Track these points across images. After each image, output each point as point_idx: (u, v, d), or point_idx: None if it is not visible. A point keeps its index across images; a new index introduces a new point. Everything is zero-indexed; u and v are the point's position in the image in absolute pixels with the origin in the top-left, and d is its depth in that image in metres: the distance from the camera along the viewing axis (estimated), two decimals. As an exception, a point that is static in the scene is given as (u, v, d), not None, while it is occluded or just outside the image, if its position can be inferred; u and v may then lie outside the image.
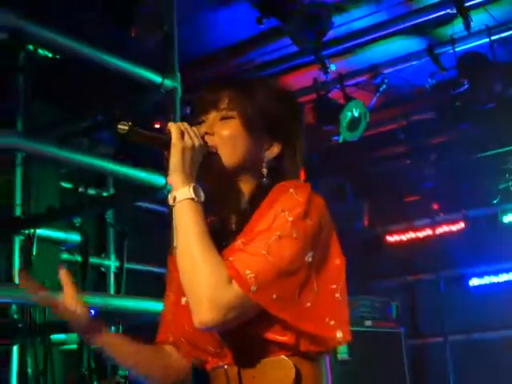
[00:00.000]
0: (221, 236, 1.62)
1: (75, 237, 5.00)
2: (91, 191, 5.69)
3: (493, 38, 4.90)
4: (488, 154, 6.61)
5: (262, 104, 1.69)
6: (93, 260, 5.72)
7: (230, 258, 1.50)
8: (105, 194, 5.91)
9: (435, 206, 7.44)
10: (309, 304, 1.52)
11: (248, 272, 1.46)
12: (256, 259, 1.48)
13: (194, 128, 1.62)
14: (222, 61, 5.43)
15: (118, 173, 3.74)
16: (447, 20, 5.04)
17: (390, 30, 5.07)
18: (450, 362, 7.09)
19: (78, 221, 4.68)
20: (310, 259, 1.53)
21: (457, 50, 5.02)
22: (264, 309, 1.47)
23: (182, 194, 1.55)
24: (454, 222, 7.48)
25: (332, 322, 1.56)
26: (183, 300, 1.65)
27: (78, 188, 5.62)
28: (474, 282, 7.30)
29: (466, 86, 4.91)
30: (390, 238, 7.79)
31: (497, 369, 6.79)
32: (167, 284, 1.83)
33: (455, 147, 6.68)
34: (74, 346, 4.29)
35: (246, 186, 1.69)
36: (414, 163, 6.87)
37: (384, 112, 6.24)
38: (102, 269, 6.12)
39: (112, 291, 5.84)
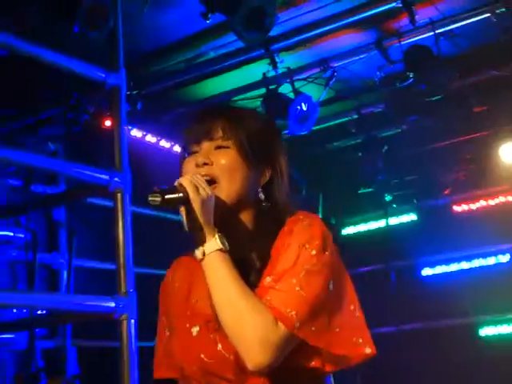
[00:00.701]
0: (243, 274, 1.65)
1: (24, 235, 4.94)
2: (40, 188, 5.62)
3: (438, 31, 4.95)
4: (438, 145, 6.70)
5: (254, 132, 1.73)
6: (44, 258, 5.66)
7: (268, 298, 1.58)
8: (51, 192, 5.85)
9: (388, 198, 7.52)
10: (338, 329, 1.62)
11: (289, 310, 1.56)
12: (292, 296, 1.58)
13: (200, 177, 1.66)
14: (172, 55, 5.41)
15: (63, 170, 3.69)
16: (395, 13, 5.08)
17: (339, 24, 5.08)
18: (403, 351, 7.18)
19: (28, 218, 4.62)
20: (332, 287, 1.64)
21: (404, 43, 5.07)
22: (304, 341, 1.57)
23: (211, 247, 1.62)
24: (406, 213, 7.57)
25: (360, 340, 1.66)
26: (194, 330, 1.69)
27: (27, 185, 5.55)
28: (426, 271, 7.41)
29: (412, 80, 4.97)
30: (344, 230, 7.85)
31: (449, 357, 6.90)
32: (161, 312, 1.85)
33: (406, 139, 6.76)
34: (24, 346, 4.25)
35: (246, 216, 1.74)
36: (366, 156, 6.92)
37: (335, 105, 6.29)
38: (55, 267, 6.05)
39: (64, 289, 5.79)
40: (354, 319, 1.68)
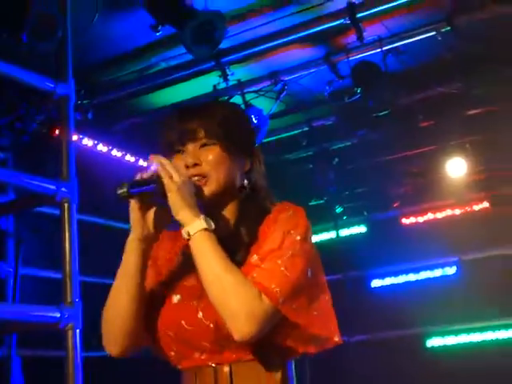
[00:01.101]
0: (230, 252, 1.75)
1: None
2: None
3: (386, 47, 5.07)
4: (387, 158, 6.81)
5: (232, 126, 1.85)
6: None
7: (254, 275, 1.69)
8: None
9: (338, 210, 7.60)
10: (315, 313, 1.75)
11: (273, 286, 1.67)
12: (277, 275, 1.69)
13: (174, 162, 1.79)
14: (123, 65, 5.42)
15: (10, 180, 3.68)
16: (343, 30, 5.18)
17: (289, 38, 5.16)
18: (354, 361, 7.25)
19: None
20: (310, 275, 1.76)
21: (352, 59, 5.17)
22: (286, 317, 1.69)
23: (195, 227, 1.71)
24: (356, 225, 7.67)
25: (332, 328, 1.82)
26: (175, 298, 1.80)
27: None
28: (376, 283, 7.50)
29: (359, 95, 5.07)
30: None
31: (397, 367, 6.99)
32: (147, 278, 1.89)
33: (356, 152, 6.86)
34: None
35: (233, 204, 1.87)
36: (317, 168, 7.00)
37: (286, 118, 6.37)
38: (2, 276, 5.99)
39: (11, 299, 5.73)
40: (328, 308, 1.82)
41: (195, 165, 1.80)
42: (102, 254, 5.59)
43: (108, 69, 5.45)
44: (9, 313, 3.48)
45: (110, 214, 6.29)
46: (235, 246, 1.80)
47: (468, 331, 7.03)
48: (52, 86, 3.70)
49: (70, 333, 3.40)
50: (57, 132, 5.48)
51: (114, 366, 5.57)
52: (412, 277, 7.32)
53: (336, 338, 1.80)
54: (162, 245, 1.92)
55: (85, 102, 5.44)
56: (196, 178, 1.80)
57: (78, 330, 3.44)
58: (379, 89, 5.03)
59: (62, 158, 3.65)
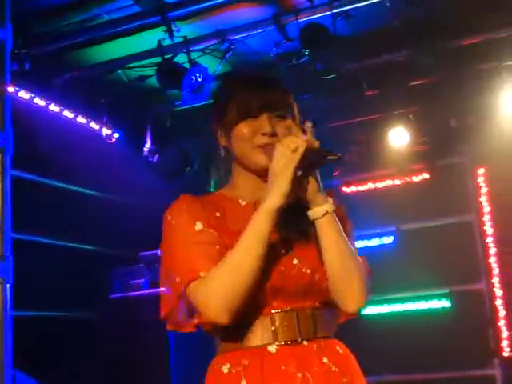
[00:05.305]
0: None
1: None
2: None
3: (335, 10, 4.98)
4: (330, 125, 6.76)
5: (293, 101, 2.00)
6: None
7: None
8: None
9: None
10: None
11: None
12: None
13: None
14: (65, 16, 5.21)
15: None
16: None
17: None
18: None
19: None
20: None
21: (301, 20, 5.07)
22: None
23: (329, 207, 1.90)
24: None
25: None
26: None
27: None
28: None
29: (307, 58, 5.00)
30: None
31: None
32: (198, 219, 1.91)
33: (303, 117, 6.79)
34: None
35: None
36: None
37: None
38: None
39: None
40: None
41: (272, 135, 1.88)
42: (32, 210, 5.41)
43: (48, 18, 5.22)
44: None
45: (43, 170, 6.09)
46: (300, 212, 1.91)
47: (402, 301, 7.12)
48: (-13, 29, 3.52)
49: (-1, 287, 3.30)
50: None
51: (41, 326, 5.46)
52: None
53: None
54: (199, 202, 1.97)
55: (22, 51, 5.20)
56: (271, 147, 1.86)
57: (8, 285, 3.34)
58: (327, 52, 4.95)
59: (-3, 107, 3.50)
